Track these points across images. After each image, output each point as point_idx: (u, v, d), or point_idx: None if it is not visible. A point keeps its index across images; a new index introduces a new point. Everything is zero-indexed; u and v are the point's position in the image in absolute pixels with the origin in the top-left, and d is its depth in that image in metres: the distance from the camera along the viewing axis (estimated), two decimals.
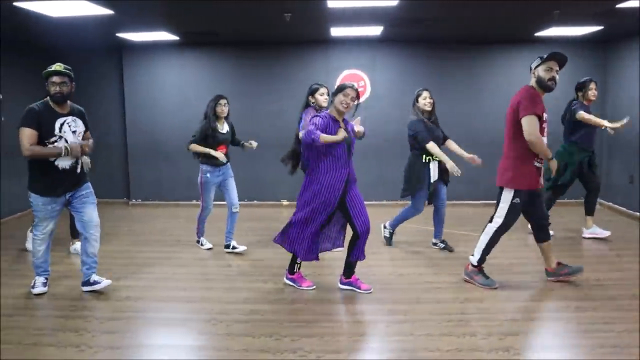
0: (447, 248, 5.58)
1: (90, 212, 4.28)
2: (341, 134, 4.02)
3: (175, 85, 8.22)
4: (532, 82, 4.20)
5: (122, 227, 6.76)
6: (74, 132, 4.14)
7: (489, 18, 6.05)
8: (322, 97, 4.91)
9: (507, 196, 4.29)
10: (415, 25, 6.40)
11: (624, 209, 7.18)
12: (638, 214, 6.90)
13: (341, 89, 4.13)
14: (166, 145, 8.28)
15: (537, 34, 7.07)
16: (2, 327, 3.69)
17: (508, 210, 4.29)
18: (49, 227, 4.24)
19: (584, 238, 5.95)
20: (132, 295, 4.36)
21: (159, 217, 7.54)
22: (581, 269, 4.51)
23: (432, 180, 5.35)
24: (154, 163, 8.31)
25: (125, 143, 8.38)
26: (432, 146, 5.15)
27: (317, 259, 4.39)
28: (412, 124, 5.28)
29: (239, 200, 5.61)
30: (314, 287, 4.43)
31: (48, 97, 4.07)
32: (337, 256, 4.98)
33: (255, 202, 8.05)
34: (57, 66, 4.03)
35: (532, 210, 4.41)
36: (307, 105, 4.97)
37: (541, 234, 4.51)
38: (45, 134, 4.00)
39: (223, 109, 5.36)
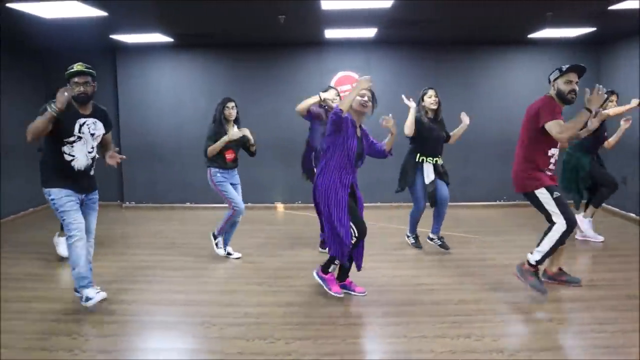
0: (443, 246, 5.55)
1: (92, 220, 4.18)
2: (362, 85, 3.93)
3: (169, 87, 8.20)
4: (552, 93, 4.12)
5: (116, 230, 6.74)
6: (92, 134, 4.00)
7: (482, 20, 6.07)
8: (332, 102, 5.20)
9: (544, 196, 4.10)
10: (409, 27, 6.41)
11: (617, 209, 7.21)
12: (633, 215, 6.94)
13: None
14: (160, 148, 8.26)
15: (531, 35, 7.10)
16: None
17: (559, 207, 4.04)
18: (79, 220, 3.97)
19: (577, 239, 5.94)
20: (126, 299, 4.34)
21: (152, 219, 7.51)
22: (578, 281, 4.51)
23: (426, 182, 5.34)
24: (148, 165, 8.28)
25: (119, 145, 8.34)
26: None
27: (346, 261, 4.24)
28: None
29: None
30: (342, 295, 4.27)
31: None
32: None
33: (249, 204, 8.00)
34: (79, 66, 3.88)
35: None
36: (321, 107, 5.24)
37: (552, 223, 4.34)
38: (64, 133, 3.86)
39: (231, 112, 5.18)
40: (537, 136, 4.08)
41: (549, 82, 4.18)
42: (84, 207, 4.12)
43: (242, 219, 5.47)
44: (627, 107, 5.52)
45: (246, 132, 5.22)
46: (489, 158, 8.06)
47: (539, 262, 4.21)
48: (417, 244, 5.76)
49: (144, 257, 5.53)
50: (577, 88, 4.01)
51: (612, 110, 5.55)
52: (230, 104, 5.20)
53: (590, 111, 3.87)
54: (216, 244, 5.52)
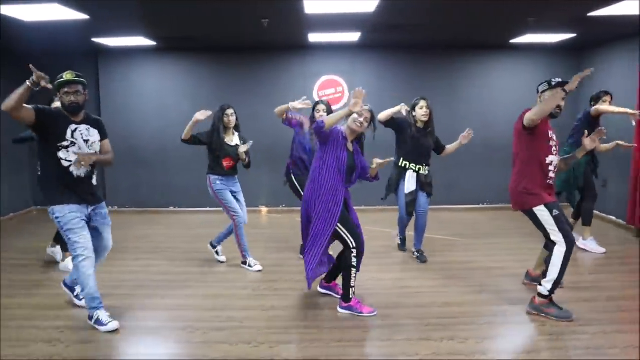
0: (420, 259, 5.47)
1: (107, 236, 4.03)
2: (354, 107, 3.72)
3: (152, 90, 8.15)
4: (538, 103, 4.08)
5: None
6: (86, 140, 3.82)
7: (465, 24, 6.13)
8: (317, 114, 5.14)
9: (544, 214, 3.97)
10: (393, 31, 6.45)
11: (598, 212, 7.30)
12: (613, 217, 7.03)
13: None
14: (143, 152, 8.19)
15: (513, 40, 7.18)
16: None
17: (558, 225, 3.92)
18: (86, 238, 3.76)
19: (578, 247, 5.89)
20: (108, 304, 4.24)
21: (136, 224, 7.45)
22: (561, 284, 4.54)
23: (407, 190, 5.33)
24: (131, 169, 8.21)
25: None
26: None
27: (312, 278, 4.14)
28: None
29: (215, 206, 5.49)
30: (376, 312, 4.07)
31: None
32: None
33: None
34: (69, 74, 3.74)
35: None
36: (312, 118, 5.19)
37: (551, 242, 4.29)
38: (56, 137, 3.71)
39: (230, 119, 5.08)
40: (529, 145, 4.01)
41: (537, 91, 4.17)
42: (95, 223, 3.94)
43: (226, 223, 5.43)
44: (623, 110, 5.40)
45: (242, 149, 5.09)
46: (472, 162, 8.11)
47: (551, 292, 4.00)
48: (402, 246, 5.77)
49: (128, 261, 5.48)
50: (562, 103, 3.95)
51: (606, 107, 5.46)
52: (229, 111, 5.09)
53: (565, 91, 3.80)
54: (216, 252, 5.49)
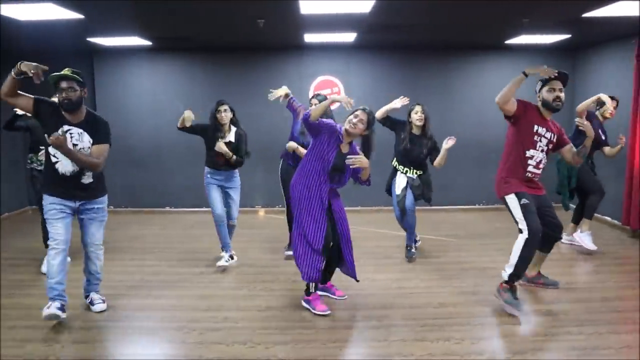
0: (407, 255, 5.51)
1: (93, 231, 4.01)
2: (340, 99, 3.89)
3: (147, 90, 8.13)
4: (538, 103, 4.15)
5: None
6: (74, 144, 3.76)
7: (460, 25, 6.14)
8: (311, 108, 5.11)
9: (513, 202, 4.08)
10: (388, 31, 6.45)
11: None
12: (608, 218, 7.06)
13: (354, 110, 4.04)
14: (139, 151, 8.17)
15: (508, 41, 7.20)
16: None
17: (524, 214, 4.02)
18: (59, 231, 3.79)
19: (563, 243, 5.91)
20: None
21: (131, 224, 7.43)
22: (556, 284, 4.59)
23: (397, 191, 5.38)
24: (126, 169, 8.18)
25: None
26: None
27: (315, 279, 4.09)
28: None
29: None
30: (329, 312, 4.08)
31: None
32: None
33: None
34: (66, 71, 3.72)
35: (540, 217, 4.18)
36: None
37: (544, 242, 4.35)
38: (48, 133, 3.69)
39: (222, 115, 5.01)
40: (512, 135, 4.14)
41: (536, 93, 4.21)
42: (83, 217, 3.96)
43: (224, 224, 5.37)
44: (592, 99, 5.39)
45: (222, 147, 5.02)
46: (467, 162, 8.13)
47: (512, 277, 4.09)
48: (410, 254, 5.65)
49: (123, 261, 5.46)
50: (561, 95, 4.03)
51: (582, 105, 5.34)
52: (222, 107, 5.04)
53: (525, 75, 3.87)
54: (230, 257, 5.27)
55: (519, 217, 4.04)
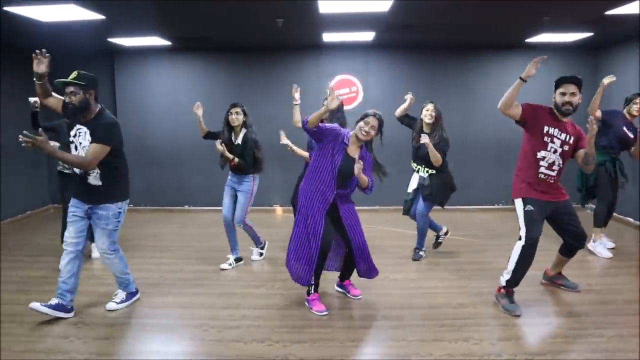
0: (413, 256, 5.54)
1: (98, 237, 4.01)
2: (332, 103, 3.85)
3: (167, 90, 8.20)
4: (553, 104, 4.11)
5: None
6: (80, 143, 3.84)
7: (480, 24, 6.09)
8: None
9: (519, 207, 4.10)
10: (407, 30, 6.43)
11: (615, 214, 7.20)
12: (631, 219, 6.94)
13: (364, 116, 4.01)
14: (158, 151, 8.26)
15: (528, 40, 7.12)
16: None
17: (525, 220, 4.04)
18: (71, 234, 3.92)
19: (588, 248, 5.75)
20: None
21: (150, 222, 7.50)
22: (576, 287, 4.52)
23: (409, 189, 5.42)
24: (146, 168, 8.27)
25: None
26: None
27: (304, 283, 4.12)
28: None
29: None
30: (325, 312, 4.09)
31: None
32: None
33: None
34: (73, 75, 3.81)
35: (559, 225, 4.24)
36: None
37: (565, 249, 4.42)
38: (66, 136, 3.96)
39: (233, 117, 5.05)
40: (526, 138, 4.13)
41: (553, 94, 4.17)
42: (90, 219, 4.00)
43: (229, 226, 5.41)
44: (599, 91, 5.36)
45: (219, 148, 5.06)
46: (486, 162, 8.07)
47: (509, 283, 4.13)
48: (433, 245, 5.70)
49: (142, 259, 5.52)
50: (573, 99, 3.95)
51: (591, 105, 5.37)
52: (234, 110, 5.07)
53: (523, 80, 3.91)
54: (230, 260, 5.34)
55: (521, 223, 4.06)
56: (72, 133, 3.87)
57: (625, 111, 5.54)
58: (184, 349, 3.58)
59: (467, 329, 3.76)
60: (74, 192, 3.99)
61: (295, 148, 5.28)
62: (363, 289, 4.48)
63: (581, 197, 5.82)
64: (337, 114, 5.10)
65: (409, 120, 5.38)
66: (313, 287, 4.20)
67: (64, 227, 5.17)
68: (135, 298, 4.30)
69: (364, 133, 3.96)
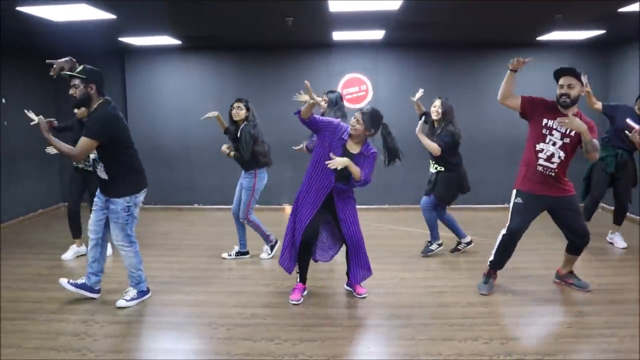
0: (423, 250, 5.59)
1: (111, 229, 4.16)
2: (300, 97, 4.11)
3: (177, 89, 8.23)
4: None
5: None
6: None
7: (490, 22, 6.06)
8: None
9: (512, 197, 4.32)
10: (417, 29, 6.40)
11: (629, 213, 7.14)
12: (637, 217, 6.88)
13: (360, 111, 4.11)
14: (168, 149, 8.29)
15: (539, 38, 7.07)
16: (3, 331, 3.70)
17: (511, 211, 4.28)
18: (91, 222, 4.21)
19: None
20: None
21: (159, 220, 7.54)
22: (586, 287, 4.48)
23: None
24: (156, 167, 8.26)
25: None
26: None
27: (289, 272, 4.36)
28: None
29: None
30: (297, 302, 4.23)
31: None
32: (340, 260, 4.92)
33: (256, 205, 8.02)
34: (79, 68, 3.97)
35: (559, 221, 4.31)
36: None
37: (570, 247, 4.45)
38: (78, 132, 4.22)
39: (234, 112, 5.19)
40: (528, 133, 4.25)
41: None
42: (108, 213, 4.17)
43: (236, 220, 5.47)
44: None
45: (223, 150, 5.31)
46: (497, 160, 8.03)
47: (492, 264, 4.43)
48: (457, 247, 5.71)
49: (151, 258, 5.53)
50: (571, 91, 3.98)
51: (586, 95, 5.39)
52: (236, 104, 5.20)
53: (512, 70, 4.14)
54: (232, 251, 5.59)
55: (509, 213, 4.30)
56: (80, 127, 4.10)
57: (636, 107, 5.50)
58: (193, 347, 3.59)
59: (476, 328, 3.74)
60: (99, 186, 4.22)
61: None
62: (372, 288, 4.48)
63: (581, 190, 5.78)
64: (335, 106, 5.13)
65: (426, 117, 5.41)
66: (298, 276, 4.36)
67: (71, 223, 5.58)
68: (145, 297, 4.32)
69: (352, 128, 4.06)
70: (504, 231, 4.27)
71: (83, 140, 3.85)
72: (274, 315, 4.03)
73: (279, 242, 5.56)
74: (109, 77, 8.43)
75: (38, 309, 4.13)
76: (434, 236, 5.57)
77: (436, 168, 5.31)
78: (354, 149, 4.11)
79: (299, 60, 8.07)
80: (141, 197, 4.21)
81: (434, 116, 5.26)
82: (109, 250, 5.49)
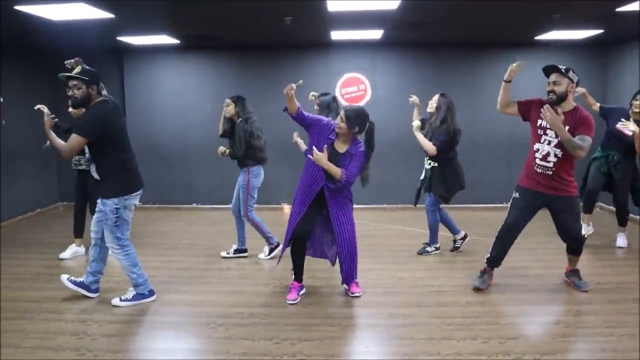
0: (419, 250, 5.60)
1: (105, 233, 4.15)
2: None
3: (175, 88, 8.22)
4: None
5: None
6: None
7: (488, 22, 6.06)
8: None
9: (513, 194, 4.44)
10: (415, 28, 6.40)
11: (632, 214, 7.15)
12: (638, 217, 6.89)
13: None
14: (167, 149, 8.28)
15: (537, 37, 7.07)
16: (2, 330, 3.69)
17: (509, 206, 4.43)
18: (93, 220, 4.27)
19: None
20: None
21: (158, 220, 7.53)
22: (583, 287, 4.47)
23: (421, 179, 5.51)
24: (154, 166, 8.29)
25: None
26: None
27: (284, 247, 4.41)
28: None
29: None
30: (293, 302, 4.23)
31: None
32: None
33: (255, 205, 8.02)
34: (77, 69, 3.99)
35: (555, 221, 4.34)
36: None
37: (568, 247, 4.48)
38: None
39: (224, 110, 5.24)
40: (530, 133, 4.32)
41: None
42: None
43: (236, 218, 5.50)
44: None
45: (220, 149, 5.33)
46: (496, 160, 8.03)
47: (488, 260, 4.53)
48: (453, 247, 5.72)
49: (150, 257, 5.53)
50: (556, 88, 4.05)
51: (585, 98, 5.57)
52: (226, 101, 5.24)
53: (506, 81, 4.34)
54: (230, 249, 5.61)
55: (509, 208, 4.44)
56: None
57: (630, 111, 5.49)
58: (191, 346, 3.59)
59: (475, 327, 3.75)
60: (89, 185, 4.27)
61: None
62: (371, 287, 4.49)
63: (579, 188, 5.80)
64: (327, 109, 5.11)
65: (425, 124, 5.41)
66: (293, 275, 4.37)
67: (75, 221, 5.63)
68: (145, 300, 4.26)
69: (337, 127, 4.07)
70: (502, 225, 4.41)
71: (73, 137, 3.84)
72: (273, 314, 4.02)
73: (280, 246, 5.52)
74: (108, 77, 8.50)
75: (36, 309, 4.13)
76: (433, 239, 5.56)
77: (430, 164, 5.31)
78: (342, 148, 4.12)
79: (297, 59, 8.07)
80: (133, 200, 4.14)
81: (428, 109, 5.29)
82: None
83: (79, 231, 5.63)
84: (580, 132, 3.98)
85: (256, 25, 6.17)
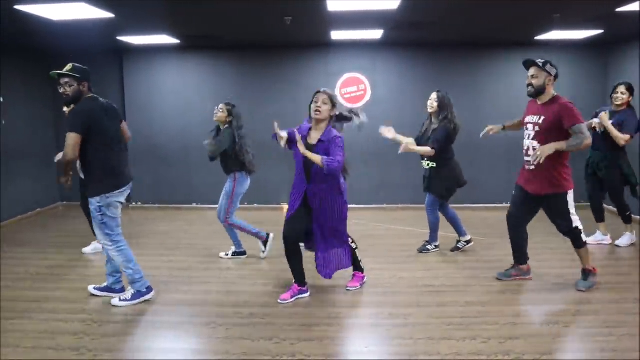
0: (419, 248, 5.65)
1: (95, 230, 4.21)
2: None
3: (175, 88, 8.22)
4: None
5: (122, 230, 6.72)
6: None
7: (489, 22, 6.06)
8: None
9: None
10: (415, 28, 6.40)
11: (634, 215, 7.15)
12: (638, 217, 6.88)
13: (313, 96, 4.10)
14: (166, 149, 8.28)
15: (538, 37, 7.07)
16: (2, 330, 3.69)
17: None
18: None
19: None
20: None
21: (158, 220, 7.53)
22: (581, 287, 4.47)
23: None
24: (154, 166, 8.31)
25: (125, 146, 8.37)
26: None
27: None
28: None
29: (239, 203, 5.51)
30: (284, 302, 4.23)
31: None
32: None
33: (255, 205, 8.04)
34: (68, 67, 4.00)
35: (549, 214, 4.47)
36: None
37: (572, 242, 4.49)
38: None
39: (216, 112, 5.25)
40: None
41: None
42: None
43: (248, 220, 5.52)
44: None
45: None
46: (495, 160, 8.03)
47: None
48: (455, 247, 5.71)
49: (150, 257, 5.53)
50: (533, 81, 4.20)
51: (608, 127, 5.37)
52: (220, 107, 5.24)
53: (504, 128, 5.02)
54: (228, 251, 5.62)
55: None
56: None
57: (612, 107, 5.53)
58: (191, 346, 3.59)
59: (475, 327, 3.75)
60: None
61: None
62: (371, 287, 4.49)
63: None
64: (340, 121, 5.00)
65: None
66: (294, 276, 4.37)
67: (89, 221, 5.51)
68: (144, 298, 4.26)
69: (315, 112, 4.03)
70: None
71: (67, 137, 3.84)
72: (272, 314, 4.03)
73: (272, 235, 5.53)
74: (108, 76, 8.52)
75: (36, 309, 4.13)
76: (433, 238, 5.57)
77: (428, 164, 5.31)
78: (314, 139, 4.11)
79: (297, 59, 8.07)
80: (116, 197, 4.08)
81: (429, 109, 5.27)
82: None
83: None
84: (568, 124, 4.02)
85: (256, 25, 6.16)
